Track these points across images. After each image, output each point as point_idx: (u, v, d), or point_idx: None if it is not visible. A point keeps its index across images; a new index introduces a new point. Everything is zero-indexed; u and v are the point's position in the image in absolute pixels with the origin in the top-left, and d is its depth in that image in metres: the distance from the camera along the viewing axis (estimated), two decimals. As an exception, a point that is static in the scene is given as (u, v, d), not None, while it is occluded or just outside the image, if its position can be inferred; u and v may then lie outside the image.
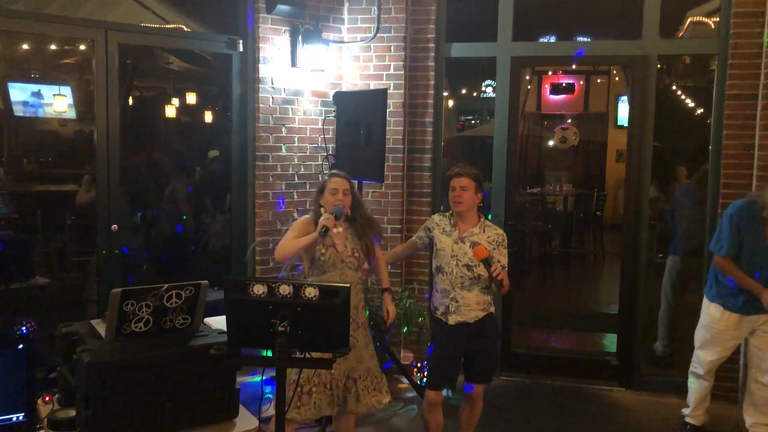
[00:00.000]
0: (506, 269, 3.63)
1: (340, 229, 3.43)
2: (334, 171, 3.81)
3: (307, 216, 3.59)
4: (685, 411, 4.43)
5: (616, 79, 12.07)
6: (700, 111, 9.72)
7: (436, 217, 3.83)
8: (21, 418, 2.48)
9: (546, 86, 12.63)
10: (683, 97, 10.21)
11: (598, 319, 7.12)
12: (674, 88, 10.10)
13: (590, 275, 9.74)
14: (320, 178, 5.23)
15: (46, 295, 4.91)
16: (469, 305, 3.60)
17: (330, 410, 3.42)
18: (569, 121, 12.30)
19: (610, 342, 5.83)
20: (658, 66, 5.14)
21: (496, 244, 3.63)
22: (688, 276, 5.56)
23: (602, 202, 11.08)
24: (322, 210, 3.48)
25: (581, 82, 12.62)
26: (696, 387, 4.34)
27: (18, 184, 8.75)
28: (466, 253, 3.59)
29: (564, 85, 12.55)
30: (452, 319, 3.62)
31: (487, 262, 3.42)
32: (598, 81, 12.62)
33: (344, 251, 3.47)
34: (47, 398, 2.80)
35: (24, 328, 4.53)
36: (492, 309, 3.70)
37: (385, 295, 3.75)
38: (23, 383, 2.49)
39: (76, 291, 5.73)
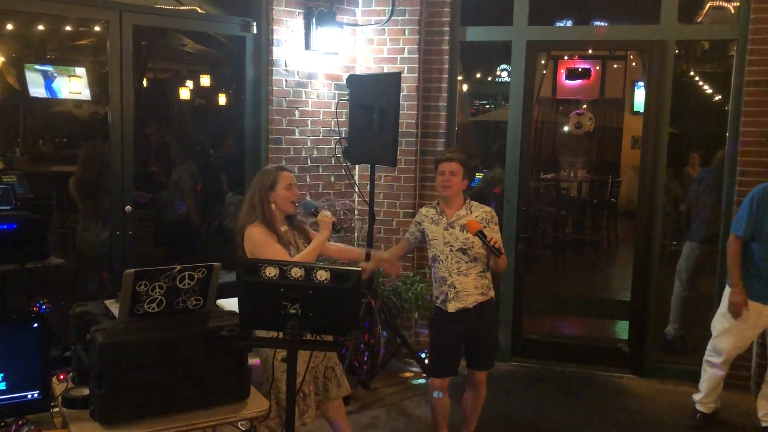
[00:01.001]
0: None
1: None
2: (280, 165, 3.76)
3: (256, 224, 3.27)
4: (696, 398, 4.41)
5: (633, 64, 11.92)
6: (718, 97, 9.60)
7: (422, 209, 3.82)
8: (36, 395, 2.52)
9: (562, 71, 12.50)
10: (701, 83, 10.09)
11: (611, 305, 7.10)
12: (692, 73, 9.97)
13: (603, 262, 9.71)
14: (333, 162, 5.24)
15: (61, 275, 4.96)
16: (467, 290, 3.59)
17: (310, 401, 3.36)
18: (584, 106, 12.19)
19: (622, 329, 5.82)
20: (676, 51, 5.07)
21: (485, 222, 3.61)
22: (703, 263, 5.52)
23: (617, 188, 11.00)
24: (273, 207, 3.31)
25: (597, 68, 12.48)
26: (709, 376, 4.32)
27: (34, 164, 8.82)
28: (458, 237, 3.57)
29: (580, 70, 12.41)
30: (452, 306, 3.60)
31: (482, 234, 3.41)
32: (615, 66, 12.49)
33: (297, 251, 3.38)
34: (62, 376, 2.83)
35: (40, 307, 4.57)
36: (491, 294, 3.69)
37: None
38: (38, 362, 2.52)
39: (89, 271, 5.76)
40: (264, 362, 3.30)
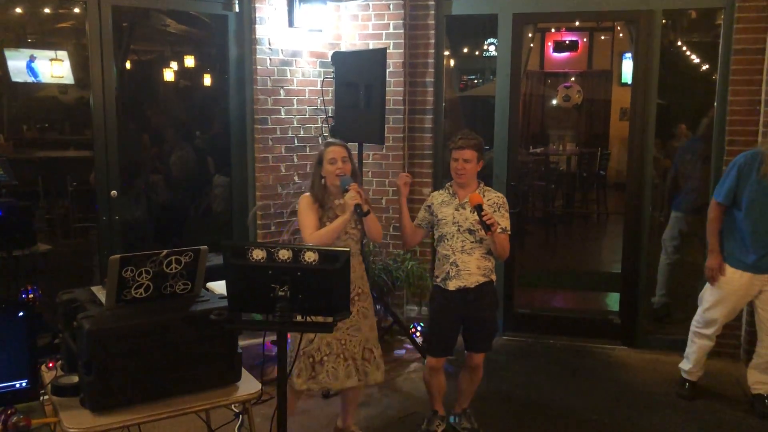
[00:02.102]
0: (508, 232, 3.61)
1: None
2: (330, 140, 3.75)
3: (306, 194, 3.47)
4: (684, 367, 4.44)
5: (620, 35, 11.86)
6: (705, 67, 9.57)
7: (434, 193, 3.81)
8: (24, 384, 2.49)
9: (549, 44, 12.42)
10: (688, 53, 10.04)
11: (601, 278, 7.13)
12: (679, 43, 9.92)
13: (593, 234, 9.74)
14: (320, 141, 5.20)
15: (49, 262, 4.92)
16: (469, 270, 3.58)
17: (352, 382, 3.45)
18: (573, 79, 12.15)
19: (613, 301, 5.85)
20: (663, 21, 5.03)
21: (496, 207, 3.60)
22: (689, 233, 5.54)
23: (606, 161, 11.00)
24: (324, 182, 3.42)
25: (585, 40, 12.41)
26: (699, 347, 4.34)
27: (18, 150, 8.72)
28: (467, 218, 3.56)
29: (567, 42, 12.34)
30: (452, 285, 3.60)
31: (480, 207, 3.40)
32: (602, 38, 12.42)
33: (348, 224, 3.43)
34: (51, 364, 2.81)
35: (28, 294, 4.53)
36: (493, 277, 3.68)
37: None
38: (25, 350, 2.49)
39: (78, 257, 5.74)
40: None
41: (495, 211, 3.57)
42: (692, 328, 4.38)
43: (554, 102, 11.91)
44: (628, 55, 11.21)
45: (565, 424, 4.06)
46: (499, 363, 4.92)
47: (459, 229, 3.59)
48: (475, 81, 13.53)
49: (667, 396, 4.42)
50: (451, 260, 3.60)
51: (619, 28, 11.71)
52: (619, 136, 11.72)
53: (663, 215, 6.25)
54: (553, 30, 12.09)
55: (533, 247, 8.50)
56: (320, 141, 5.22)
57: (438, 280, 3.69)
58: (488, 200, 3.60)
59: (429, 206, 3.75)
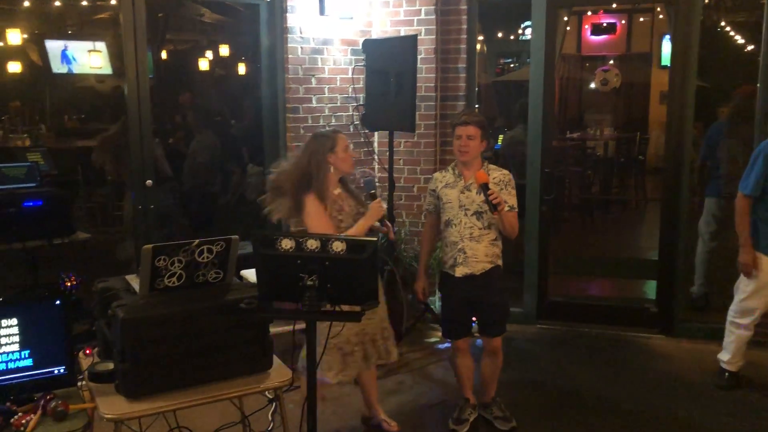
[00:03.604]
0: (515, 210, 3.57)
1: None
2: (332, 128, 3.74)
3: (311, 195, 3.30)
4: (723, 358, 4.35)
5: (660, 17, 11.56)
6: (749, 48, 9.28)
7: (436, 174, 3.76)
8: (62, 371, 2.56)
9: (586, 27, 12.18)
10: (732, 33, 9.75)
11: (638, 265, 7.02)
12: (723, 24, 9.64)
13: (631, 221, 9.57)
14: (351, 130, 5.19)
15: (88, 250, 5.03)
16: (477, 257, 3.56)
17: (376, 362, 3.52)
18: (611, 62, 11.90)
19: (650, 289, 5.75)
20: (705, 1, 4.89)
21: (503, 185, 3.56)
22: (726, 219, 5.39)
23: (644, 145, 10.77)
24: (332, 169, 3.36)
25: (623, 22, 12.13)
26: (737, 337, 4.24)
27: (59, 140, 8.92)
28: (474, 200, 3.52)
29: (605, 25, 12.08)
30: (459, 271, 3.58)
31: (486, 186, 3.37)
32: (641, 20, 12.12)
33: (347, 217, 3.42)
34: (88, 351, 2.88)
35: (69, 282, 4.65)
36: (500, 262, 3.65)
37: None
38: (62, 337, 2.56)
39: (116, 246, 5.85)
40: None
41: (501, 189, 3.53)
42: (729, 318, 4.28)
43: (592, 86, 11.69)
44: (669, 36, 10.92)
45: (599, 414, 4.01)
46: (532, 352, 4.89)
47: (466, 213, 3.56)
48: (512, 65, 13.37)
49: (705, 386, 4.34)
50: (459, 247, 3.58)
51: (659, 9, 11.42)
52: (658, 120, 11.45)
53: (702, 201, 6.09)
54: (590, 13, 11.84)
55: (569, 235, 8.39)
56: (351, 129, 5.21)
57: (446, 266, 3.68)
58: (493, 179, 3.55)
59: (433, 190, 3.72)
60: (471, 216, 3.55)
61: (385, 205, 3.41)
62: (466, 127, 3.52)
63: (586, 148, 10.48)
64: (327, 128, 5.12)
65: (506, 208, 3.46)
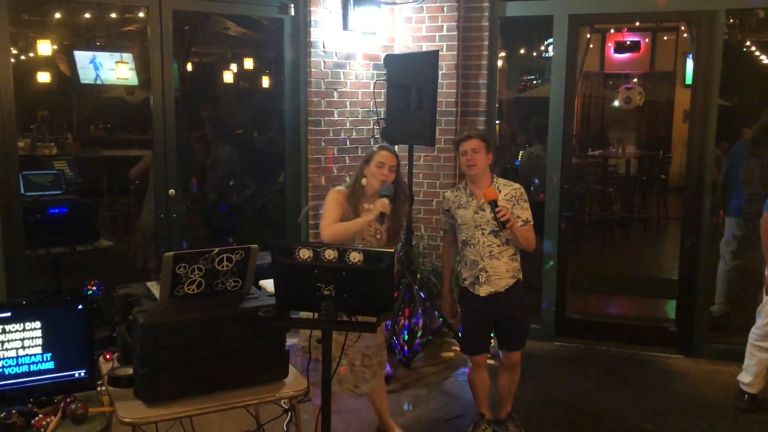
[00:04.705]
0: (531, 223, 3.56)
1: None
2: (384, 144, 3.77)
3: (339, 187, 3.49)
4: (743, 380, 4.28)
5: (685, 35, 11.49)
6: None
7: (448, 194, 3.75)
8: (83, 374, 2.61)
9: (609, 44, 12.15)
10: (757, 53, 9.68)
11: (658, 284, 6.95)
12: (747, 43, 9.58)
13: (652, 240, 9.49)
14: (372, 143, 5.23)
15: (111, 258, 5.12)
16: (499, 274, 3.55)
17: (377, 372, 3.52)
18: (634, 80, 11.86)
19: (670, 308, 5.69)
20: (730, 21, 4.88)
21: (515, 200, 3.55)
22: (748, 238, 5.34)
23: (667, 164, 10.69)
24: (364, 181, 3.43)
25: (647, 40, 12.08)
26: (759, 360, 4.18)
27: (85, 149, 9.09)
28: (489, 219, 3.50)
29: (629, 43, 12.04)
30: (483, 291, 3.56)
31: (494, 203, 3.37)
32: (665, 38, 12.07)
33: (367, 230, 3.44)
34: (108, 356, 2.92)
35: (92, 289, 4.73)
36: (520, 276, 3.65)
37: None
38: (84, 342, 2.61)
39: (138, 253, 5.94)
40: None
41: (514, 204, 3.53)
42: (750, 340, 4.22)
43: (615, 104, 11.64)
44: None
45: (615, 433, 3.98)
46: (548, 368, 4.86)
47: (483, 233, 3.55)
48: (534, 82, 13.37)
49: (724, 408, 4.28)
50: (480, 266, 3.57)
51: (683, 27, 11.37)
52: (681, 139, 11.34)
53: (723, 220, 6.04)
54: (613, 30, 11.83)
55: (589, 252, 8.34)
56: (372, 143, 5.26)
57: (467, 283, 3.66)
58: (505, 194, 3.55)
59: (447, 210, 3.72)
60: (488, 235, 3.55)
61: (387, 203, 3.32)
62: (469, 141, 3.53)
63: (608, 165, 10.44)
64: (348, 141, 5.20)
65: (519, 223, 3.47)
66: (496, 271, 3.56)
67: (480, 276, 3.57)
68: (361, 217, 3.40)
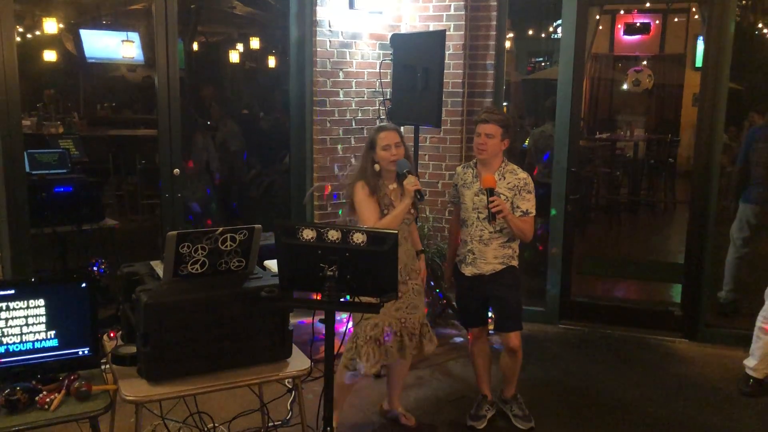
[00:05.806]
0: (531, 214, 3.52)
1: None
2: (381, 124, 3.73)
3: (359, 182, 3.40)
4: (748, 364, 4.28)
5: (696, 17, 11.37)
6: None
7: (458, 169, 3.75)
8: (86, 352, 2.62)
9: (619, 26, 12.03)
10: (769, 35, 9.55)
11: (664, 268, 6.93)
12: (760, 25, 9.45)
13: (659, 224, 9.45)
14: (377, 124, 5.19)
15: (116, 237, 5.13)
16: (485, 259, 3.56)
17: (411, 352, 3.51)
18: (644, 62, 11.74)
19: (676, 292, 5.67)
20: (742, 2, 4.80)
21: (517, 190, 3.51)
22: (759, 225, 5.30)
23: (675, 148, 10.62)
24: (377, 167, 3.39)
25: (657, 22, 11.96)
26: (763, 343, 4.17)
27: (91, 128, 9.08)
28: (485, 206, 3.46)
29: (639, 24, 11.92)
30: (468, 270, 3.61)
31: (490, 192, 3.34)
32: (676, 20, 11.94)
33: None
34: (112, 334, 2.93)
35: (96, 267, 4.75)
36: (513, 262, 3.61)
37: (420, 255, 3.68)
38: (88, 320, 2.61)
39: (144, 233, 5.95)
40: None
41: (515, 194, 3.50)
42: (758, 323, 4.20)
43: (624, 86, 11.54)
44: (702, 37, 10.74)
45: (619, 416, 3.98)
46: (554, 351, 4.86)
47: (478, 217, 3.55)
48: (543, 63, 13.26)
49: (728, 392, 4.27)
50: (468, 247, 3.59)
51: (694, 9, 11.23)
52: (691, 123, 11.26)
53: (733, 205, 5.99)
54: (623, 12, 11.69)
55: (595, 236, 8.31)
56: (377, 123, 5.22)
57: (458, 259, 3.71)
58: (508, 183, 3.51)
59: (455, 185, 3.73)
60: (483, 220, 3.52)
61: (414, 179, 3.25)
62: (485, 125, 3.48)
63: (616, 149, 10.37)
64: (354, 122, 5.16)
65: (518, 214, 3.47)
66: (483, 255, 3.56)
67: (467, 256, 3.60)
68: (390, 197, 3.41)
